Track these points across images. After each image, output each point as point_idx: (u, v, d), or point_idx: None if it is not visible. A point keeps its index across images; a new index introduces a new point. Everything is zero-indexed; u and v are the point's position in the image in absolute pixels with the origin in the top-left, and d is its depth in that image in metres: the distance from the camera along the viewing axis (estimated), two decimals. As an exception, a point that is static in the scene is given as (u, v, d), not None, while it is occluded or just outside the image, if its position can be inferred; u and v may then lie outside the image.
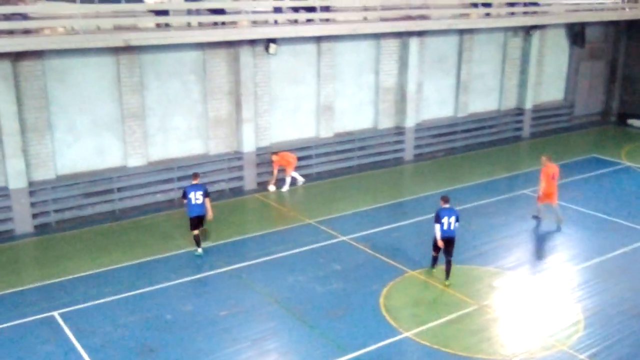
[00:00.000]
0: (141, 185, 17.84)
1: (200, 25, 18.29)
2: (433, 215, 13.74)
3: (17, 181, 16.10)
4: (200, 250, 14.97)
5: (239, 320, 12.13)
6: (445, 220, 13.45)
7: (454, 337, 11.65)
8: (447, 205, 13.68)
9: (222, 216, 17.54)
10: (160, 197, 18.26)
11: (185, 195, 14.84)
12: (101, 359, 10.89)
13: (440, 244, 13.57)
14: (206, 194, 14.84)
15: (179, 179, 18.56)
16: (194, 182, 15.06)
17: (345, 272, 14.22)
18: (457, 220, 13.57)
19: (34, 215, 16.55)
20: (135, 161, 18.10)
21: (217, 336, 11.59)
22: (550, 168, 16.80)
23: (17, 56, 15.59)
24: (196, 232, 14.93)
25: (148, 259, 14.88)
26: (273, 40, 19.22)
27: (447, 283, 13.69)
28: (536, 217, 17.29)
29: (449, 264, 13.72)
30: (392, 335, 11.66)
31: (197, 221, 14.90)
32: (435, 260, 14.18)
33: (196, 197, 14.72)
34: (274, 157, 19.65)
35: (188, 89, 18.71)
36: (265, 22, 19.46)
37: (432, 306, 12.82)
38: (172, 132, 18.74)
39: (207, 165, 19.22)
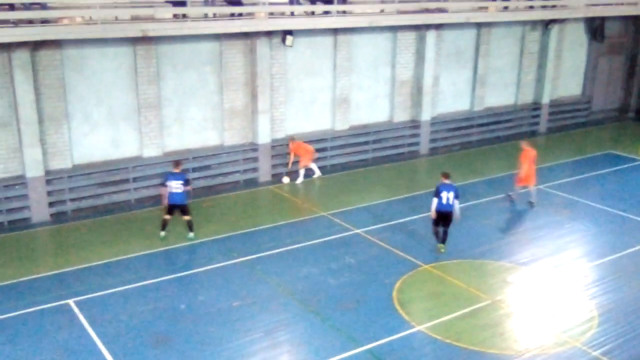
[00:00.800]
0: (156, 176, 17.93)
1: (217, 16, 18.31)
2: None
3: (34, 170, 16.24)
4: (163, 234, 15.25)
5: (251, 311, 12.19)
6: (444, 194, 14.19)
7: (466, 332, 11.63)
8: (447, 181, 14.35)
9: (236, 207, 17.62)
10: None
11: (164, 183, 14.98)
12: (115, 348, 10.99)
13: (434, 214, 14.35)
14: (186, 183, 14.93)
15: (194, 169, 18.66)
16: (175, 170, 15.14)
17: (359, 265, 14.23)
18: (456, 196, 14.25)
19: (51, 204, 16.70)
20: (151, 151, 18.20)
21: (230, 326, 11.65)
22: (531, 152, 17.77)
23: (35, 46, 15.70)
24: (167, 216, 15.15)
25: (162, 248, 14.98)
26: (290, 32, 19.20)
27: (441, 248, 14.58)
28: (511, 198, 18.13)
29: (445, 234, 14.61)
30: (405, 329, 11.66)
31: (173, 209, 15.10)
32: (437, 235, 14.77)
33: (176, 185, 14.84)
34: (290, 144, 19.65)
35: (204, 80, 18.76)
36: (282, 14, 19.44)
37: (445, 300, 12.80)
38: (187, 122, 18.80)
39: (222, 157, 19.28)
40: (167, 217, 15.22)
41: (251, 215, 17.17)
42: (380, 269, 14.01)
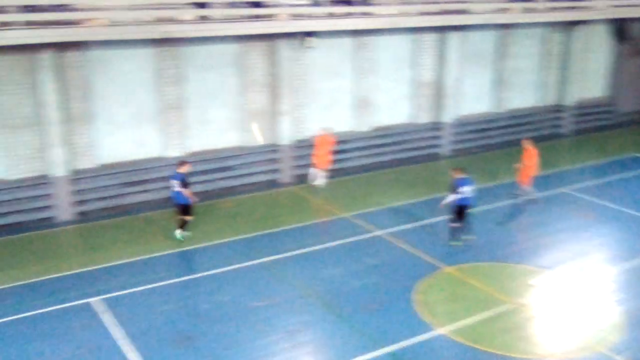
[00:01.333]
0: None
1: (239, 18, 18.39)
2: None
3: (59, 169, 16.45)
4: (184, 233, 15.41)
5: (273, 312, 12.21)
6: (463, 189, 14.58)
7: (489, 335, 11.55)
8: (463, 175, 14.75)
9: (257, 208, 17.68)
10: (198, 188, 18.43)
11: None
12: (139, 346, 11.07)
13: (454, 208, 14.84)
14: (183, 184, 15.04)
15: (215, 170, 18.76)
16: (178, 170, 15.30)
17: (381, 266, 14.20)
18: (472, 189, 14.83)
19: (75, 203, 16.89)
20: (174, 152, 18.32)
21: (252, 327, 11.69)
22: (533, 151, 17.99)
23: (60, 47, 15.90)
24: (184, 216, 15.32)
25: (185, 248, 15.07)
26: (311, 34, 19.23)
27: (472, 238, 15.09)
28: (518, 195, 18.34)
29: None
30: (427, 331, 11.61)
31: (175, 208, 15.37)
32: (458, 231, 14.99)
33: (174, 184, 15.09)
34: (321, 139, 19.59)
35: (226, 81, 18.86)
36: (304, 16, 19.46)
37: (467, 303, 12.72)
38: (210, 123, 18.92)
39: (243, 157, 19.37)
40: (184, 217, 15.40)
41: (273, 216, 17.21)
42: (401, 271, 13.97)
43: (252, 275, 13.72)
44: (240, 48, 18.79)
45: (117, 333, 11.45)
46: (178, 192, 15.08)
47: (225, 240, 15.48)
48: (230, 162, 19.15)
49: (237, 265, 14.21)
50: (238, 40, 18.63)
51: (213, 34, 17.50)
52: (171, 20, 17.34)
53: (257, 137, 19.60)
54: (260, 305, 12.43)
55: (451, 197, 14.75)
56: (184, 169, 15.30)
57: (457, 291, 13.23)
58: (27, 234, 15.86)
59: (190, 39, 17.59)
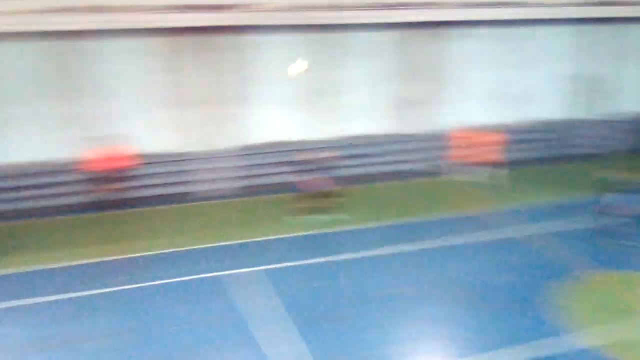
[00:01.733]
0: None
1: (402, 5, 18.33)
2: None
3: (216, 145, 17.59)
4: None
5: (418, 300, 12.10)
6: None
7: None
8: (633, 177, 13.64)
9: (410, 196, 17.67)
10: (347, 172, 18.67)
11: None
12: (294, 318, 11.39)
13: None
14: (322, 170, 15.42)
15: (370, 155, 19.07)
16: (317, 156, 15.69)
17: (528, 266, 13.63)
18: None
19: (239, 178, 17.99)
20: (324, 136, 18.73)
21: (399, 313, 11.67)
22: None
23: (217, 31, 16.73)
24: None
25: (345, 228, 15.36)
26: (473, 23, 18.79)
27: None
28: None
29: None
30: (573, 339, 10.95)
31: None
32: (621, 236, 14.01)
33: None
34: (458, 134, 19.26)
35: (383, 68, 18.93)
36: (466, 5, 19.04)
37: (621, 312, 11.87)
38: (365, 110, 19.11)
39: (399, 145, 19.43)
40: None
41: (424, 206, 17.03)
42: (551, 272, 13.27)
43: (401, 262, 13.70)
44: (401, 35, 18.76)
45: (272, 304, 11.88)
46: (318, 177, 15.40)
47: (376, 225, 15.60)
48: (383, 149, 19.32)
49: (385, 251, 14.24)
50: (398, 28, 18.59)
51: (373, 21, 17.64)
52: (331, 7, 17.62)
53: (411, 126, 19.55)
54: (404, 292, 12.39)
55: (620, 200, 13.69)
56: (324, 156, 15.55)
57: (612, 298, 12.38)
58: (193, 204, 17.06)
59: (349, 25, 17.83)
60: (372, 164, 19.11)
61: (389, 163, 19.38)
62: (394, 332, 11.08)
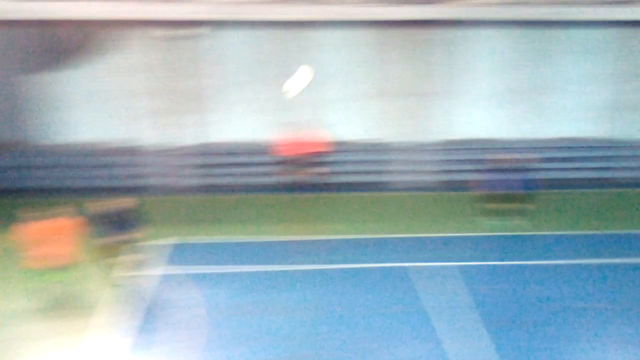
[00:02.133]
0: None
1: (625, 2, 17.05)
2: None
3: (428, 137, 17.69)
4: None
5: (604, 315, 11.25)
6: None
7: None
8: None
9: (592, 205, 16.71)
10: (547, 175, 17.84)
11: None
12: (482, 314, 11.18)
13: None
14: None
15: (569, 159, 18.13)
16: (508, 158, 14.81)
17: None
18: None
19: (440, 172, 18.02)
20: (527, 135, 18.17)
21: (589, 327, 10.93)
22: None
23: (425, 24, 16.78)
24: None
25: (515, 233, 14.80)
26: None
27: None
28: None
29: None
30: None
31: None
32: None
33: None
34: None
35: (598, 68, 17.90)
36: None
37: None
38: (574, 111, 18.22)
39: (608, 150, 18.34)
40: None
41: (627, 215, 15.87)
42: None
43: (601, 274, 12.78)
44: (623, 34, 17.57)
45: (460, 301, 11.73)
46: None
47: (572, 233, 14.84)
48: (588, 153, 18.29)
49: (584, 261, 13.37)
50: (620, 26, 17.40)
51: (584, 17, 16.66)
52: (546, 3, 16.90)
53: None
54: (604, 307, 11.55)
55: None
56: (523, 157, 14.96)
57: None
58: (375, 193, 17.39)
59: (563, 22, 17.04)
60: (576, 169, 18.04)
61: (594, 169, 18.23)
62: (589, 349, 10.39)
